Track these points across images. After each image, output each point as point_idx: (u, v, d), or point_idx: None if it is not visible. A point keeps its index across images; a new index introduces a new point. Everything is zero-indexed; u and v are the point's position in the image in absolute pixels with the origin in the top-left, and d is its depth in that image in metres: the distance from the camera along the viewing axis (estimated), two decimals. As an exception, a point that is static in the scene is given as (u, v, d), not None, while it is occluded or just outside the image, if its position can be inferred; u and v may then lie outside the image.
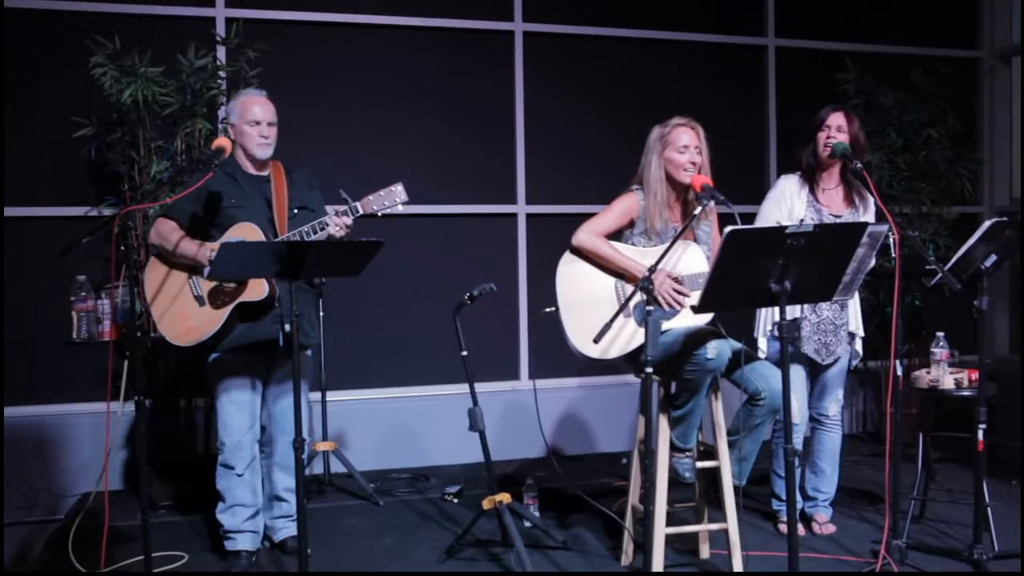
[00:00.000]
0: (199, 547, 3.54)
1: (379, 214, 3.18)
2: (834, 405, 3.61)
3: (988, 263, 3.12)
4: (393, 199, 3.18)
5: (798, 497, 3.62)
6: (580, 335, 3.03)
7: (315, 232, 3.10)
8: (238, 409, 3.26)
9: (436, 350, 4.71)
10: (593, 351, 2.99)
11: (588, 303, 3.07)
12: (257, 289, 3.13)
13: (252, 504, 3.32)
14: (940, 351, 3.48)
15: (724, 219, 2.91)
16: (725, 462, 3.05)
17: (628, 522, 3.31)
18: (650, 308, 2.66)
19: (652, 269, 2.76)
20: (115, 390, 3.58)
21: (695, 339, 2.93)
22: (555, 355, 4.10)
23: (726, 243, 2.35)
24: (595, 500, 3.72)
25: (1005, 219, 3.20)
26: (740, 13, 5.53)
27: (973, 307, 3.11)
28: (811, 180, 3.50)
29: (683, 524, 3.27)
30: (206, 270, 2.97)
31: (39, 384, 4.39)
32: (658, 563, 2.95)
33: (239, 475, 3.26)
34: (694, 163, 3.10)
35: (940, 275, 3.00)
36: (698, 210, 2.98)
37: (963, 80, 5.44)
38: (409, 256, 4.83)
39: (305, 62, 4.79)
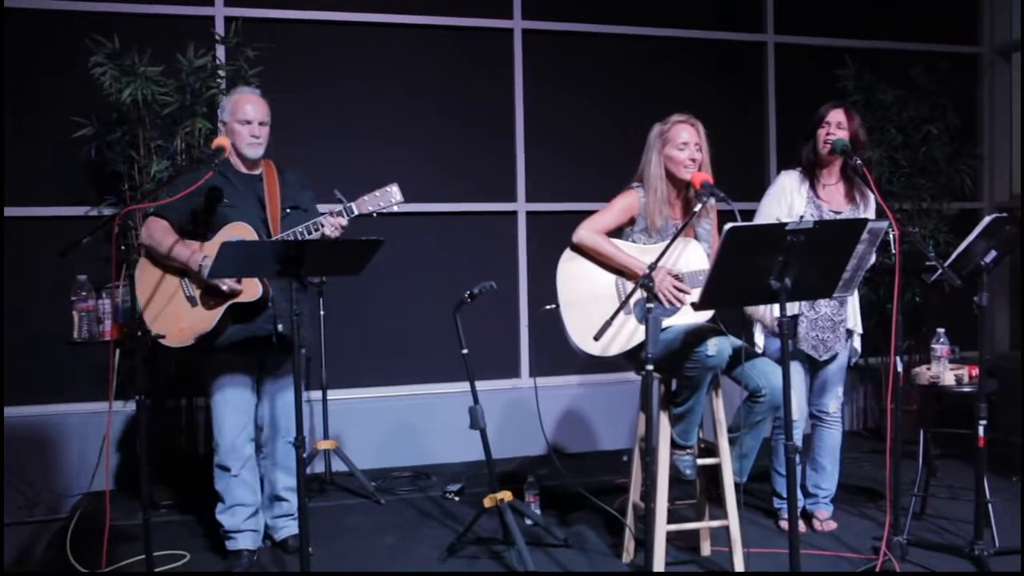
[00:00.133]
0: (200, 546, 3.54)
1: (374, 214, 3.18)
2: (834, 402, 3.61)
3: (988, 259, 3.12)
4: (388, 199, 3.18)
5: (799, 494, 3.62)
6: (581, 332, 3.03)
7: (309, 233, 3.10)
8: (232, 410, 3.26)
9: (437, 348, 4.71)
10: (594, 348, 2.99)
11: (589, 300, 3.07)
12: (250, 290, 3.12)
13: (251, 503, 3.32)
14: (940, 347, 3.48)
15: (724, 216, 2.90)
16: (726, 459, 3.05)
17: (629, 519, 3.31)
18: (650, 305, 2.67)
19: (652, 266, 2.76)
20: (115, 389, 3.58)
21: (695, 336, 2.93)
22: (556, 353, 4.11)
23: (726, 240, 2.35)
24: (596, 498, 3.72)
25: (1005, 215, 3.20)
26: (739, 10, 5.52)
27: (973, 303, 3.11)
28: (811, 176, 3.50)
29: (684, 521, 3.28)
30: (206, 270, 2.97)
31: (40, 384, 4.39)
32: (659, 560, 2.95)
33: (235, 475, 3.26)
34: (694, 160, 3.10)
35: (940, 271, 3.00)
36: (698, 207, 2.98)
37: (963, 76, 5.44)
38: (409, 254, 4.83)
39: (304, 61, 4.78)
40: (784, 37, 5.55)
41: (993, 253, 3.12)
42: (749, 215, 3.40)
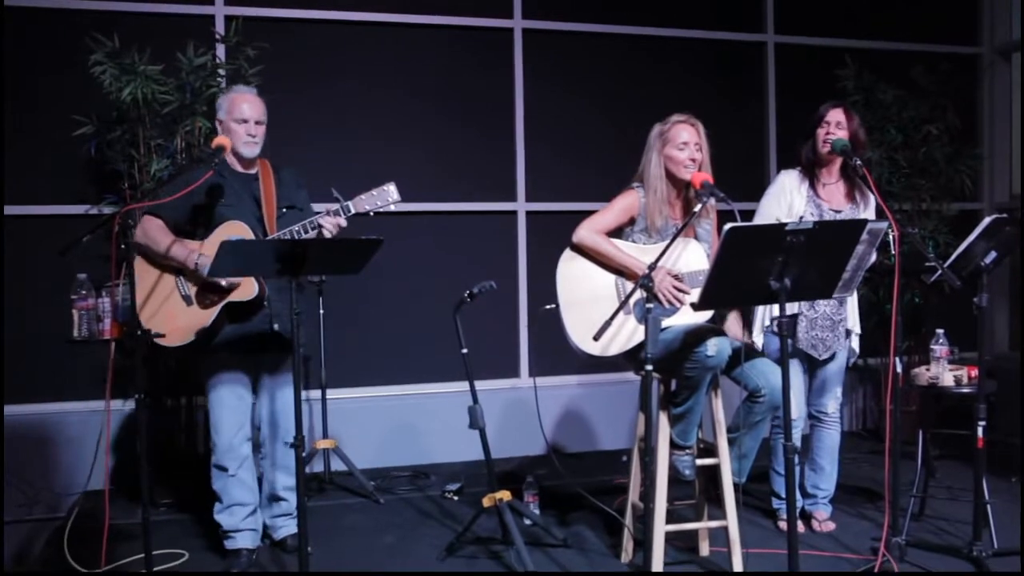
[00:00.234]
0: (199, 545, 3.54)
1: (371, 214, 3.18)
2: (833, 402, 3.61)
3: (988, 260, 3.12)
4: (385, 198, 3.17)
5: (798, 495, 3.62)
6: (580, 332, 3.03)
7: (306, 231, 3.09)
8: (229, 410, 3.25)
9: (436, 348, 4.71)
10: (593, 348, 2.99)
11: (588, 300, 3.07)
12: (246, 289, 3.12)
13: (249, 502, 3.32)
14: (940, 348, 3.48)
15: (724, 216, 2.91)
16: (725, 459, 3.05)
17: (628, 520, 3.31)
18: (650, 305, 2.67)
19: (652, 266, 2.76)
20: (114, 388, 3.57)
21: (695, 336, 2.93)
22: (555, 353, 4.10)
23: (726, 240, 2.36)
24: (595, 498, 3.72)
25: (1005, 216, 3.20)
26: (739, 10, 5.52)
27: (973, 304, 3.11)
28: (811, 175, 3.50)
29: (683, 521, 3.28)
30: (205, 268, 2.97)
31: (40, 382, 4.39)
32: (658, 560, 2.96)
33: (232, 475, 3.26)
34: (694, 160, 3.10)
35: (940, 272, 3.00)
36: (698, 207, 2.98)
37: (963, 76, 5.44)
38: (409, 254, 4.83)
39: (304, 60, 4.78)
40: (784, 37, 5.55)
41: (993, 254, 3.12)
42: (749, 215, 3.40)
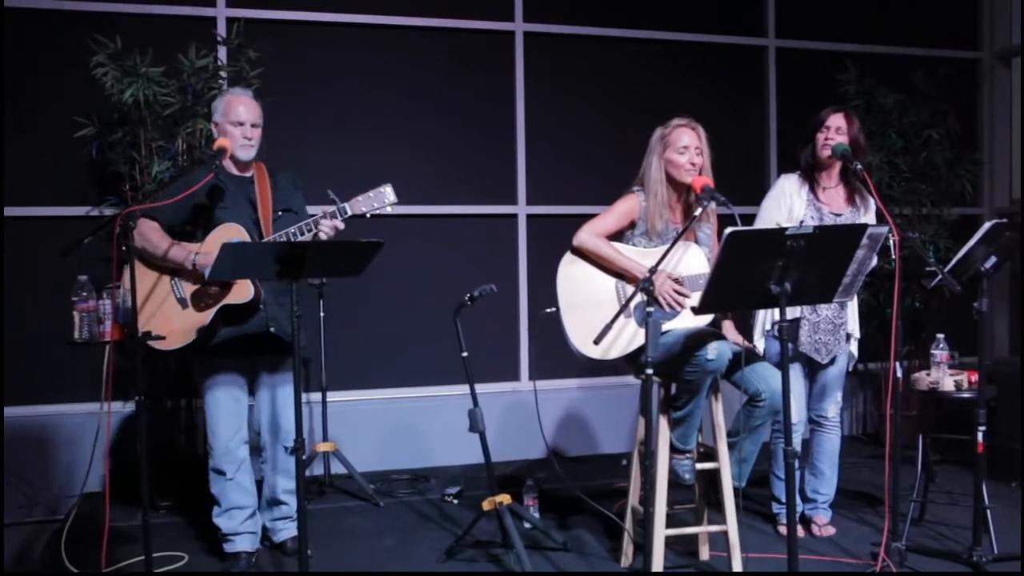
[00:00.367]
0: (198, 548, 3.54)
1: (368, 215, 3.17)
2: (833, 407, 3.61)
3: (988, 265, 3.12)
4: (382, 200, 3.16)
5: (797, 499, 3.61)
6: (581, 336, 3.03)
7: (302, 234, 3.08)
8: (225, 413, 3.25)
9: (436, 351, 4.72)
10: (594, 352, 2.99)
11: (589, 304, 3.07)
12: (242, 291, 3.11)
13: (248, 505, 3.32)
14: (940, 353, 3.48)
15: (724, 220, 2.91)
16: (725, 464, 3.05)
17: (628, 523, 3.31)
18: (650, 309, 2.66)
19: (653, 270, 2.76)
20: (114, 390, 3.57)
21: (695, 340, 2.93)
22: (555, 356, 4.10)
23: (726, 244, 2.36)
24: (595, 501, 3.71)
25: (1005, 221, 3.20)
26: (740, 14, 5.53)
27: (973, 309, 3.12)
28: (811, 179, 3.51)
29: (683, 526, 3.28)
30: (205, 269, 2.96)
31: (40, 384, 4.39)
32: (658, 565, 2.95)
33: (230, 479, 3.26)
34: (695, 164, 3.10)
35: (940, 277, 3.00)
36: (698, 211, 2.98)
37: (963, 81, 5.44)
38: (409, 256, 4.83)
39: (306, 62, 4.79)
40: (785, 41, 5.56)
41: (993, 259, 3.12)
42: (749, 219, 3.40)
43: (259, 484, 3.45)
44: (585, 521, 3.80)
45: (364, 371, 4.86)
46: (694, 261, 3.10)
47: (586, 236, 3.12)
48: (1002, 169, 5.88)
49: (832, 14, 5.61)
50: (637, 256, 3.10)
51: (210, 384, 3.25)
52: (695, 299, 2.89)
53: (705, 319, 3.02)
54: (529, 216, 5.16)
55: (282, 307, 3.25)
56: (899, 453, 3.12)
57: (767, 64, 5.55)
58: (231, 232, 3.10)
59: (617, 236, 3.19)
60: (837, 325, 3.48)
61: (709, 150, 3.15)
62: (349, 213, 3.14)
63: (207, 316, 3.11)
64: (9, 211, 4.33)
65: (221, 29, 4.57)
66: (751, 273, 2.45)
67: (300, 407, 2.76)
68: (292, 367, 2.75)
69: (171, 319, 3.11)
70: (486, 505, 3.33)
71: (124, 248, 2.72)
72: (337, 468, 4.40)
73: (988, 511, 3.25)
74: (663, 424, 3.04)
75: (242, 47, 4.29)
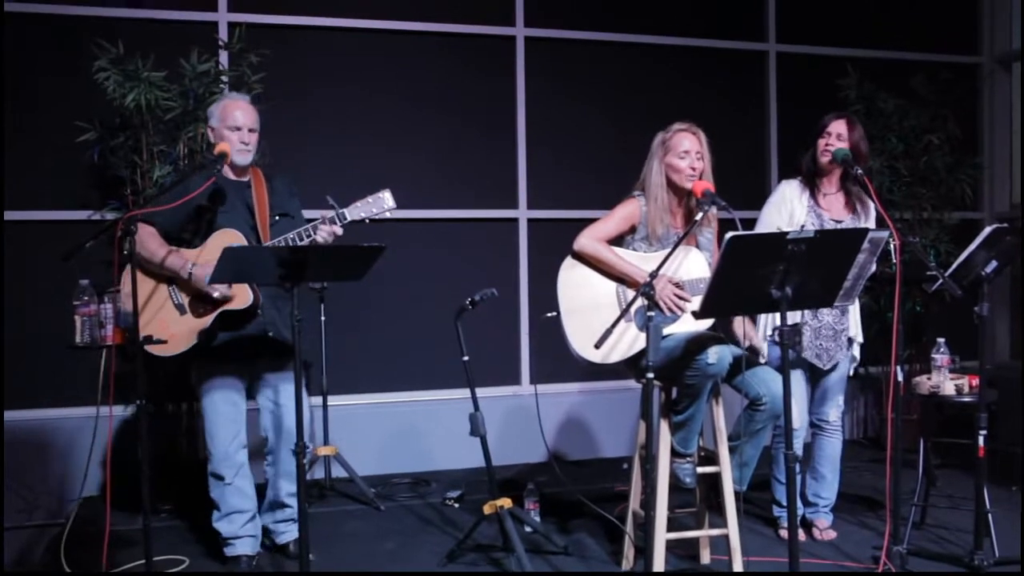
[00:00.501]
0: (199, 552, 3.53)
1: (367, 221, 3.17)
2: (835, 411, 3.61)
3: (989, 269, 3.12)
4: (381, 206, 3.15)
5: (799, 503, 3.61)
6: (582, 340, 3.04)
7: (301, 239, 3.08)
8: (223, 419, 3.24)
9: (437, 355, 4.72)
10: (594, 356, 2.99)
11: (590, 308, 3.08)
12: (241, 297, 3.11)
13: (248, 509, 3.31)
14: (941, 357, 3.48)
15: (725, 224, 2.91)
16: (726, 467, 3.05)
17: (629, 527, 3.30)
18: (651, 313, 2.67)
19: (653, 274, 2.76)
20: (116, 394, 3.57)
21: (696, 344, 2.93)
22: (556, 360, 4.10)
23: (727, 248, 2.36)
24: (596, 505, 3.72)
25: (1005, 225, 3.21)
26: (741, 18, 5.54)
27: (974, 313, 3.12)
28: (811, 185, 3.51)
29: (684, 529, 3.27)
30: (206, 279, 2.96)
31: (41, 388, 4.39)
32: (659, 568, 2.95)
33: (228, 484, 3.26)
34: (695, 169, 3.11)
35: (941, 281, 3.00)
36: (699, 216, 2.98)
37: (963, 86, 5.45)
38: (410, 261, 4.83)
39: (307, 67, 4.80)
40: (786, 46, 5.57)
41: (994, 263, 3.12)
42: (750, 223, 3.41)
43: (264, 486, 3.44)
44: (586, 525, 3.80)
45: (365, 375, 4.87)
46: (695, 265, 3.10)
47: (587, 240, 3.12)
48: (1002, 173, 5.88)
49: (833, 19, 5.62)
50: (638, 260, 3.11)
51: (208, 389, 3.25)
52: (696, 303, 2.89)
53: (706, 323, 3.02)
54: (530, 220, 5.16)
55: (279, 312, 3.26)
56: (900, 457, 3.12)
57: (768, 69, 5.56)
58: (229, 238, 3.10)
59: (617, 241, 3.19)
60: (838, 331, 3.48)
61: (710, 154, 3.16)
62: (348, 219, 3.13)
63: (205, 322, 3.11)
64: (10, 215, 4.34)
65: (223, 34, 4.58)
66: (752, 277, 2.46)
67: (301, 411, 2.77)
68: (293, 368, 2.75)
69: (169, 325, 3.10)
70: (487, 509, 3.33)
71: (125, 252, 2.73)
72: (338, 472, 4.40)
73: (989, 515, 3.25)
74: (664, 428, 3.05)
75: (244, 52, 4.30)
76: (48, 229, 4.40)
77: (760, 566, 3.26)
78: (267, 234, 3.20)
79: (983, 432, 3.15)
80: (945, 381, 3.46)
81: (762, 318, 3.53)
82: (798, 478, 3.00)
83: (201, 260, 3.08)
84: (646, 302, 2.70)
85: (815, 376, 3.56)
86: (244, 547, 3.31)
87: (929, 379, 3.51)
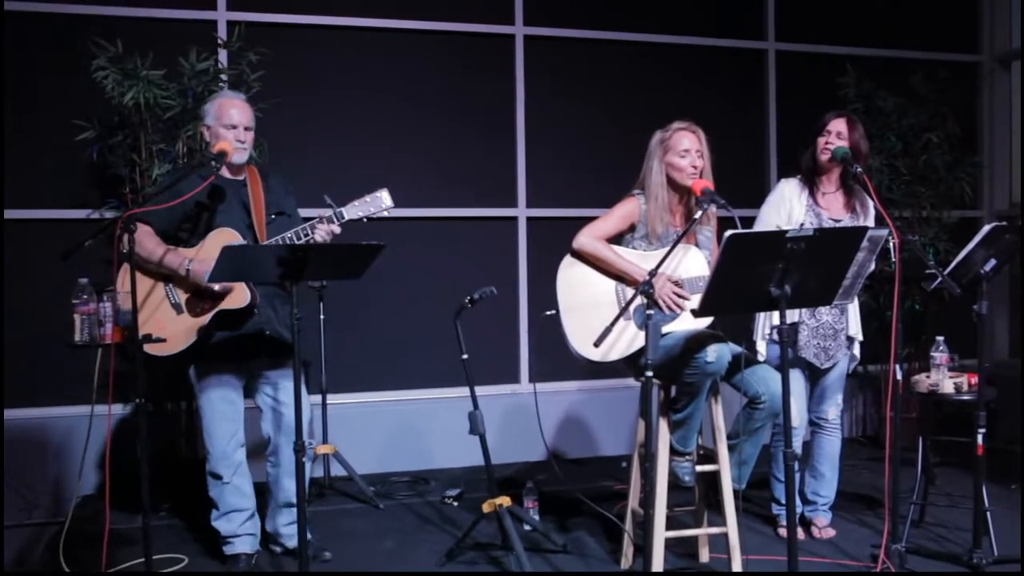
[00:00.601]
0: (198, 551, 3.54)
1: (365, 220, 3.17)
2: (833, 409, 3.61)
3: (988, 267, 3.12)
4: (378, 205, 3.14)
5: (797, 501, 3.61)
6: (581, 338, 3.04)
7: (299, 238, 3.07)
8: (221, 418, 3.24)
9: (436, 353, 4.71)
10: (594, 354, 2.99)
11: (589, 306, 3.08)
12: (238, 296, 3.10)
13: (246, 508, 3.31)
14: (940, 355, 3.48)
15: (724, 223, 2.91)
16: (725, 466, 3.05)
17: (628, 525, 3.31)
18: (650, 311, 2.67)
19: (653, 273, 2.76)
20: (115, 392, 3.57)
21: (695, 342, 2.93)
22: (555, 358, 4.11)
23: (726, 246, 2.36)
24: (595, 503, 3.72)
25: (1005, 223, 3.21)
26: (740, 17, 5.54)
27: (973, 311, 3.12)
28: (811, 184, 3.51)
29: (683, 528, 3.27)
30: (206, 275, 2.96)
31: (40, 386, 4.39)
32: (658, 566, 2.95)
33: (227, 483, 3.25)
34: (695, 167, 3.11)
35: (940, 279, 3.01)
36: (698, 214, 2.98)
37: (963, 84, 5.44)
38: (410, 259, 4.83)
39: (306, 66, 4.79)
40: (785, 44, 5.57)
41: (993, 262, 3.12)
42: (749, 222, 3.41)
43: (264, 485, 3.43)
44: (585, 523, 3.80)
45: (364, 373, 4.86)
46: (694, 264, 3.10)
47: (586, 239, 3.12)
48: (1002, 172, 5.89)
49: (832, 18, 5.62)
50: (637, 259, 3.11)
51: (205, 388, 3.24)
52: (695, 302, 2.89)
53: (705, 322, 3.02)
54: (529, 219, 5.16)
55: (276, 310, 3.25)
56: (899, 455, 3.12)
57: (767, 67, 5.56)
58: (226, 237, 3.09)
59: (617, 239, 3.19)
60: (837, 330, 3.48)
61: (709, 153, 3.16)
62: (345, 218, 3.12)
63: (202, 321, 3.11)
64: (9, 213, 4.34)
65: (222, 32, 4.57)
66: (751, 276, 2.46)
67: (300, 409, 2.77)
68: (292, 365, 2.75)
69: (166, 324, 3.09)
70: (486, 507, 3.33)
71: (124, 251, 2.72)
72: (337, 470, 4.41)
73: (988, 513, 3.25)
74: (663, 426, 3.05)
75: (243, 50, 4.29)
76: (47, 228, 4.40)
77: (759, 564, 3.26)
78: (264, 233, 3.19)
79: (982, 430, 3.15)
80: (944, 379, 3.46)
81: (760, 317, 3.53)
82: (797, 476, 3.01)
83: (199, 257, 3.08)
84: (645, 300, 2.71)
85: (814, 374, 3.56)
86: (243, 545, 3.31)
87: (928, 377, 3.51)
